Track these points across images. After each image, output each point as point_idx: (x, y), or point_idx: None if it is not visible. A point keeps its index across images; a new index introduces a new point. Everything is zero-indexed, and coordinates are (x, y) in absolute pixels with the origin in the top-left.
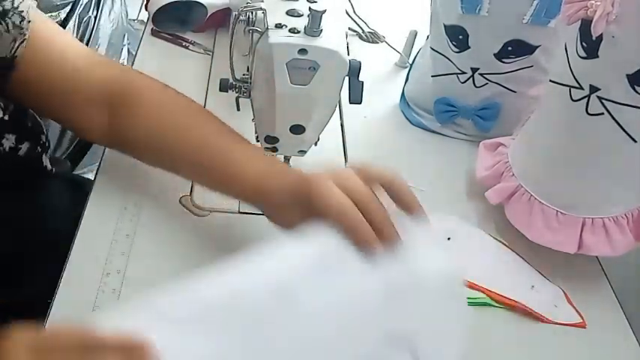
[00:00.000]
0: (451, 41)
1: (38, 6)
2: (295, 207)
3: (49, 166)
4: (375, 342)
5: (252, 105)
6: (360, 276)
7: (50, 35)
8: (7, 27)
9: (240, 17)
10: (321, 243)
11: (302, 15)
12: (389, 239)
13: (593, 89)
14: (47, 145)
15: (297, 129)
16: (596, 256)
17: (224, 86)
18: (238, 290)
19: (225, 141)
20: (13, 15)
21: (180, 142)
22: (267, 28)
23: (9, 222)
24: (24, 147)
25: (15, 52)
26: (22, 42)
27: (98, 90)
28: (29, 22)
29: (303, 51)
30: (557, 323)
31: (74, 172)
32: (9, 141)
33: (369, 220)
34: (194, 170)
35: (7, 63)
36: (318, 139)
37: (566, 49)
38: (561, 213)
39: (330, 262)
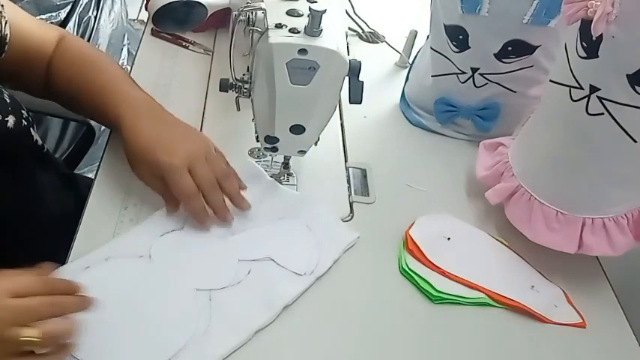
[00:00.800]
0: (451, 41)
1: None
2: (144, 168)
3: (39, 141)
4: (235, 268)
5: (252, 105)
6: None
7: (16, 14)
8: None
9: (240, 17)
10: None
11: (302, 15)
12: (222, 218)
13: (593, 89)
14: (31, 119)
15: (297, 129)
16: (596, 256)
17: (224, 86)
18: (115, 258)
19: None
20: None
21: (84, 86)
22: (267, 28)
23: (5, 209)
24: (10, 120)
25: (4, 32)
26: (5, 24)
27: (48, 54)
28: (2, 5)
29: (303, 51)
30: (557, 323)
31: (74, 172)
32: None
33: (208, 203)
34: (92, 109)
35: (2, 42)
36: (318, 139)
37: (566, 49)
38: (561, 213)
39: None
